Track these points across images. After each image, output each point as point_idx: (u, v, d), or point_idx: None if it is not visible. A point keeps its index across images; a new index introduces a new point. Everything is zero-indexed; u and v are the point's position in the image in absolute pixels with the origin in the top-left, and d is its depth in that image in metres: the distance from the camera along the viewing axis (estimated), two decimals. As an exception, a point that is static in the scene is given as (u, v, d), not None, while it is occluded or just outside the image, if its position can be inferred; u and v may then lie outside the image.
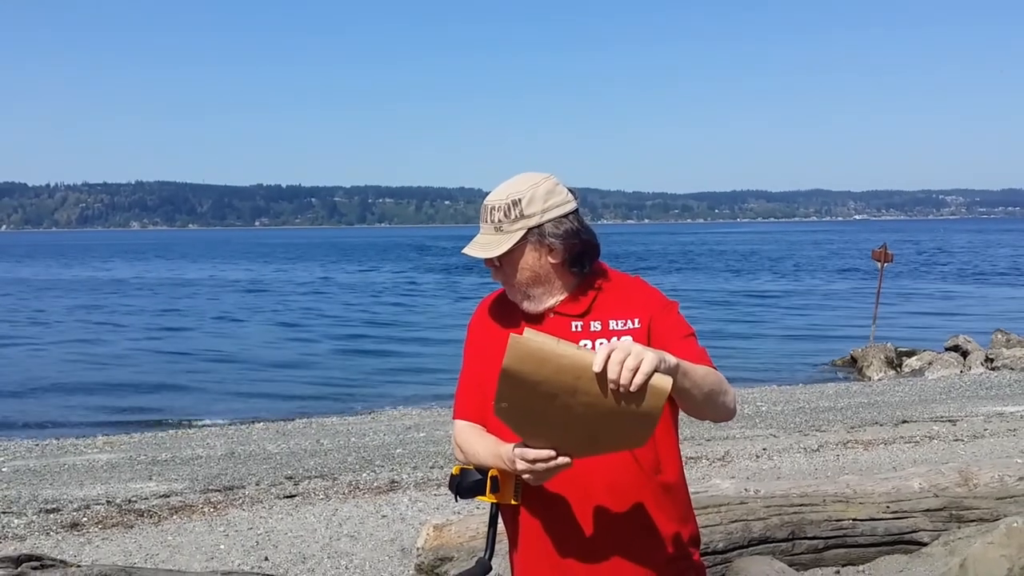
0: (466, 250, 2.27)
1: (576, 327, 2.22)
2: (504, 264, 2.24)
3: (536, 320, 2.25)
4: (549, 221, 2.20)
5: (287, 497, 7.64)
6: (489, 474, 2.15)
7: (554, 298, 2.26)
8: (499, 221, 2.21)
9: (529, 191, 2.21)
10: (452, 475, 2.22)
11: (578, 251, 2.24)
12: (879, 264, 20.07)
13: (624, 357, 1.78)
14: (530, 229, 2.20)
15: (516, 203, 2.20)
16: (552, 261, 2.22)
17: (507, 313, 2.32)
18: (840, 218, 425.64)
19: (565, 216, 2.22)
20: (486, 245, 2.24)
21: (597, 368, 1.78)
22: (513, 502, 2.17)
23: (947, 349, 18.63)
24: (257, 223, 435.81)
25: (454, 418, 2.34)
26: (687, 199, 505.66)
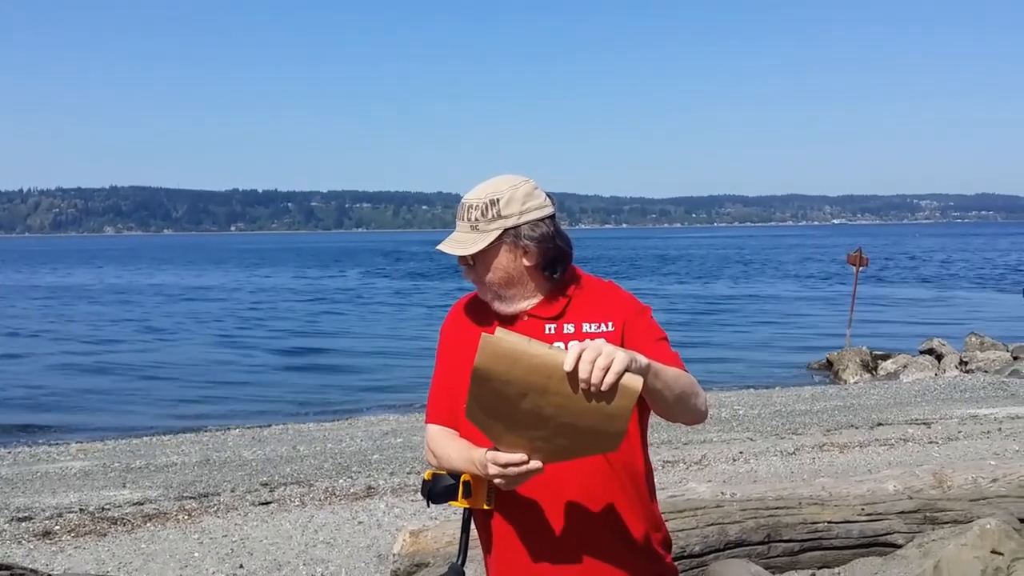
0: (440, 246, 2.27)
1: (549, 329, 2.22)
2: (477, 263, 2.24)
3: (509, 322, 2.24)
4: (526, 223, 2.21)
5: (262, 504, 7.59)
6: (461, 479, 2.15)
7: (527, 301, 2.26)
8: (476, 220, 2.21)
9: (508, 192, 2.22)
10: (424, 480, 2.22)
11: (552, 256, 2.24)
12: (854, 268, 20.22)
13: (595, 356, 1.78)
14: (506, 230, 2.20)
15: (494, 203, 2.21)
16: (526, 263, 2.22)
17: (480, 316, 2.32)
18: (816, 222, 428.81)
19: (542, 220, 2.23)
20: (461, 242, 2.24)
21: (568, 367, 1.78)
22: (485, 507, 2.16)
23: (922, 352, 18.79)
24: (233, 228, 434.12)
25: (426, 422, 2.34)
26: (664, 204, 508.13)
